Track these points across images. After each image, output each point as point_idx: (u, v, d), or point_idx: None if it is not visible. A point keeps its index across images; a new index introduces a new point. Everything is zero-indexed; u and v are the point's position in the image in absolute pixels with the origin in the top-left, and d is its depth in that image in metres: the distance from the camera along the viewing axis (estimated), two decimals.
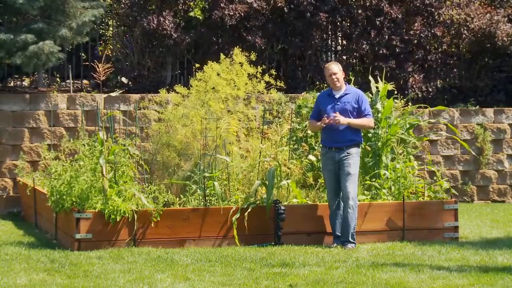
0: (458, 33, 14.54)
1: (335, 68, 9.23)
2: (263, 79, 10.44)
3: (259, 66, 10.58)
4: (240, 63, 10.44)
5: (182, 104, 10.56)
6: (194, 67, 11.14)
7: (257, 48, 13.41)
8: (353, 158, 9.06)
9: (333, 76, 9.17)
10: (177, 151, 10.29)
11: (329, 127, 9.11)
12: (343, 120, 9.05)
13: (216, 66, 10.48)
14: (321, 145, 9.42)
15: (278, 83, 10.70)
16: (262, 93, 10.71)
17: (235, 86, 10.41)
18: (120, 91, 12.87)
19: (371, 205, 9.58)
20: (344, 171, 9.02)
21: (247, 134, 10.92)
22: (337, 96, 9.21)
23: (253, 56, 10.78)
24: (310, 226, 9.37)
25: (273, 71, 11.05)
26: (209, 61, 10.61)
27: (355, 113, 9.15)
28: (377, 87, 10.92)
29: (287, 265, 7.86)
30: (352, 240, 8.98)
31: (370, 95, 11.01)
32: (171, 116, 10.49)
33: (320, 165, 10.34)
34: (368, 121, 9.24)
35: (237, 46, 11.40)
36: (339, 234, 9.05)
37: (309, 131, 10.76)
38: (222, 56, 10.60)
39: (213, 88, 10.39)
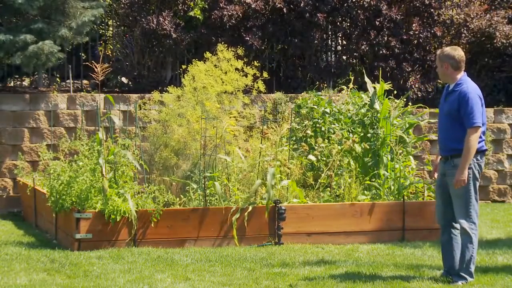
0: (458, 33, 14.52)
1: (438, 57, 7.18)
2: (245, 72, 10.49)
3: (244, 58, 10.79)
4: (228, 59, 10.49)
5: (177, 104, 10.57)
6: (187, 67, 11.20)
7: (257, 48, 13.42)
8: None
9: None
10: (175, 151, 10.29)
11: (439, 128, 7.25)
12: (465, 175, 6.94)
13: (202, 66, 10.51)
14: None
15: (264, 75, 10.80)
16: (251, 88, 10.73)
17: (223, 82, 10.45)
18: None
19: (371, 205, 9.57)
20: (451, 189, 7.11)
21: (245, 132, 10.92)
22: (447, 92, 7.20)
23: (240, 51, 10.90)
24: (310, 226, 9.36)
25: (255, 63, 11.09)
26: (194, 60, 10.69)
27: (455, 117, 7.00)
28: (374, 88, 10.90)
29: (287, 265, 7.86)
30: (463, 274, 7.05)
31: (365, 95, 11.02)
32: (167, 116, 10.49)
33: (320, 165, 10.34)
34: (469, 138, 6.89)
35: (237, 46, 11.43)
36: (446, 268, 7.32)
37: (308, 131, 10.75)
38: (208, 54, 10.65)
39: (204, 87, 10.44)
